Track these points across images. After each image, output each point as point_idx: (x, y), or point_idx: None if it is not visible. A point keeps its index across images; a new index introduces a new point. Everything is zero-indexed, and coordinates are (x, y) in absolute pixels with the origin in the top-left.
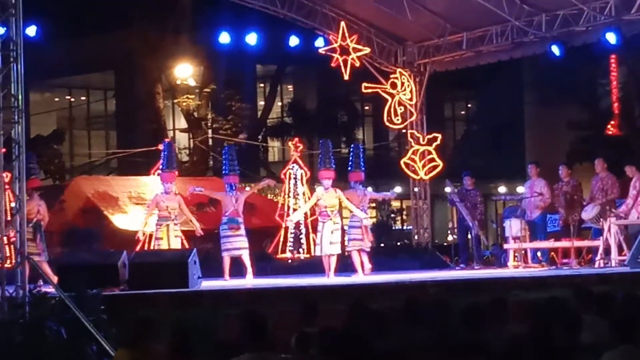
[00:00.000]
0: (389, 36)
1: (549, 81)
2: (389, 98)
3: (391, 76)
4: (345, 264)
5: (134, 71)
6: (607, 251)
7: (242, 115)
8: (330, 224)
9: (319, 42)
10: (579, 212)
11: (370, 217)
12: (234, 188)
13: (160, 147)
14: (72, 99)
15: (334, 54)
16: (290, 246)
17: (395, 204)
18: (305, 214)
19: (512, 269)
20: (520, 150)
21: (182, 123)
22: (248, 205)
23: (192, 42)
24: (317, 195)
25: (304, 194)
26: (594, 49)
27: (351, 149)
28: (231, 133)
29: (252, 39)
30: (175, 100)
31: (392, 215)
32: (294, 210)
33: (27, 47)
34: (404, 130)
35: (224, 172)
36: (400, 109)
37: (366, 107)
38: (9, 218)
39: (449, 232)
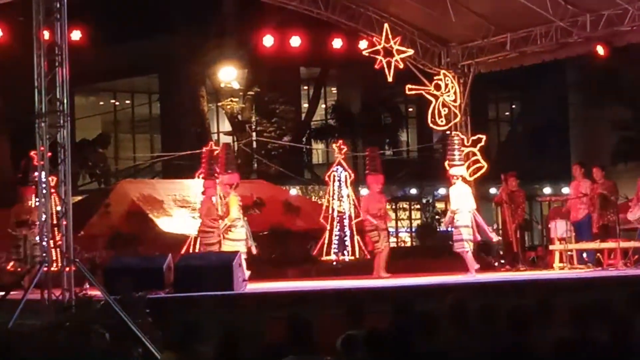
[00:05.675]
0: (432, 38)
1: (594, 81)
2: (433, 99)
3: (435, 78)
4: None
5: (178, 75)
6: None
7: (286, 117)
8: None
9: (363, 44)
10: (613, 212)
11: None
12: None
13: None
14: (117, 103)
15: (377, 56)
16: (334, 248)
17: (440, 206)
18: (350, 216)
19: (558, 270)
20: (565, 151)
21: (226, 126)
22: (293, 207)
23: (235, 45)
24: None
25: (348, 196)
26: (638, 48)
27: None
28: (275, 136)
29: (295, 41)
30: (219, 104)
31: (437, 216)
32: (339, 212)
33: (72, 51)
34: (448, 132)
35: None
36: (444, 111)
37: (410, 109)
38: (54, 222)
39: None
